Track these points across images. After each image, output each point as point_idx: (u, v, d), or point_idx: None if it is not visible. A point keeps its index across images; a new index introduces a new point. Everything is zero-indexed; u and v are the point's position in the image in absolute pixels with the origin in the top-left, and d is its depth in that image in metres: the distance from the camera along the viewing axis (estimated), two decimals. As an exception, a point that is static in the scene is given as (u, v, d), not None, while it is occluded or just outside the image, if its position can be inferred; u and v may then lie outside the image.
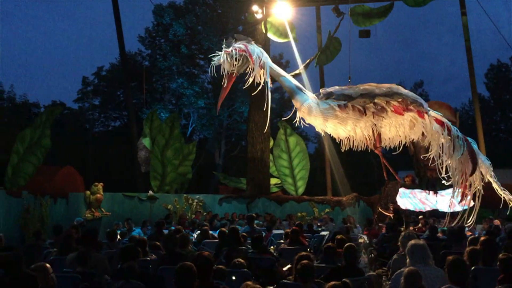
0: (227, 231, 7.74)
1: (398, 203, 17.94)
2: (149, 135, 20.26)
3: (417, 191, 20.16)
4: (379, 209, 11.15)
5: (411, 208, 18.50)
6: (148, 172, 20.23)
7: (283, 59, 33.57)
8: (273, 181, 22.81)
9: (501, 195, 10.52)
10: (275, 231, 11.20)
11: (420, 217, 17.45)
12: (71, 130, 30.68)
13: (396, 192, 18.71)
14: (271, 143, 22.06)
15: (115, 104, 34.49)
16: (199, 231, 9.72)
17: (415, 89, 48.61)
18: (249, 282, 3.23)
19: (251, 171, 20.50)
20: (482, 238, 6.01)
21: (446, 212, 17.51)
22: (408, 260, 4.58)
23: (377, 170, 29.56)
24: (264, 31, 19.89)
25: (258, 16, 19.99)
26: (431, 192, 20.07)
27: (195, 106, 30.40)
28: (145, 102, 30.02)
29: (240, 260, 5.05)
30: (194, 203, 19.05)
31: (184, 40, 30.52)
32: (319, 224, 14.90)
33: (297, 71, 19.95)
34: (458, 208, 18.43)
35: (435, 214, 18.88)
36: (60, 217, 14.05)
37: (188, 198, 19.15)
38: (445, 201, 16.96)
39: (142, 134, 20.50)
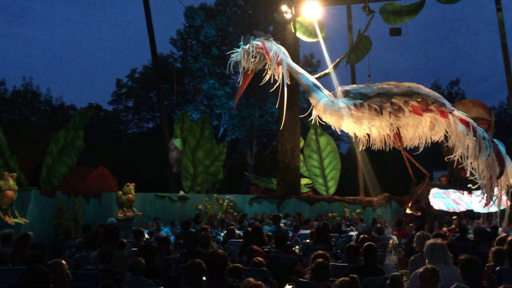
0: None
1: (431, 204, 17.70)
2: (180, 136, 20.48)
3: (451, 191, 19.82)
4: (408, 209, 10.92)
5: (444, 208, 18.22)
6: (180, 173, 20.47)
7: (314, 59, 33.45)
8: (304, 181, 22.75)
9: None
10: (302, 231, 11.17)
11: (454, 217, 17.16)
12: (105, 132, 31.28)
13: (428, 192, 18.47)
14: (302, 143, 22.02)
15: (148, 105, 34.96)
16: (226, 231, 9.80)
17: (451, 87, 47.70)
18: (250, 279, 3.23)
19: (281, 172, 20.51)
20: (509, 238, 5.88)
21: (481, 213, 17.24)
22: (427, 260, 4.51)
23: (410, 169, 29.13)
24: (293, 31, 19.84)
25: (288, 16, 19.94)
26: (466, 192, 19.73)
27: (226, 107, 30.56)
28: (177, 104, 30.36)
29: (259, 258, 5.06)
30: (225, 203, 19.18)
31: (215, 41, 30.72)
32: (347, 224, 14.79)
33: (326, 71, 19.83)
34: (493, 208, 18.04)
35: (470, 215, 18.55)
36: (93, 217, 14.33)
37: (218, 198, 19.29)
38: (480, 201, 16.60)
39: (173, 135, 20.75)
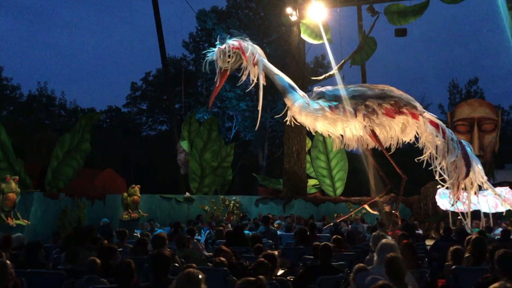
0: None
1: (438, 204, 17.64)
2: (188, 138, 20.75)
3: (457, 191, 19.72)
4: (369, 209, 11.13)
5: (451, 208, 18.13)
6: (187, 174, 20.75)
7: (325, 60, 33.45)
8: (311, 182, 22.84)
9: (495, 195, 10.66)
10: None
11: (458, 217, 17.11)
12: (120, 135, 31.79)
13: (435, 193, 18.43)
14: (309, 144, 22.12)
15: (162, 108, 35.41)
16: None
17: (469, 86, 47.21)
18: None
19: (287, 173, 20.65)
20: (473, 237, 5.97)
21: (487, 213, 17.15)
22: (375, 258, 4.62)
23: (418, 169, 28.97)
24: (298, 33, 20.03)
25: (293, 18, 20.15)
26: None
27: (238, 108, 30.79)
28: (185, 106, 30.69)
29: (221, 258, 5.23)
30: (231, 204, 19.40)
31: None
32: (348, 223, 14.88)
33: (331, 72, 19.96)
34: (501, 208, 17.98)
35: (476, 215, 18.43)
36: (97, 218, 14.59)
37: (225, 199, 19.54)
38: (486, 201, 16.56)
39: (180, 137, 21.04)
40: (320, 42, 20.10)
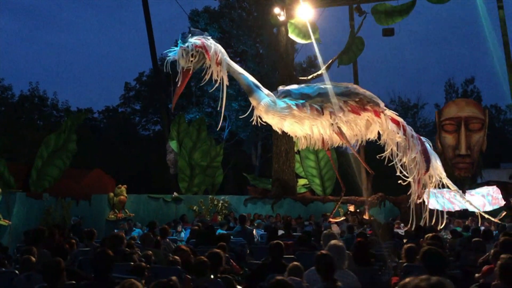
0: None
1: (426, 203, 17.66)
2: (176, 138, 20.80)
3: (445, 190, 19.73)
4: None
5: (439, 207, 18.14)
6: (177, 174, 20.80)
7: (318, 60, 33.41)
8: (301, 181, 22.88)
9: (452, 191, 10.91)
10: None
11: (446, 217, 17.18)
12: (113, 135, 31.86)
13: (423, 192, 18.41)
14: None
15: (155, 108, 35.44)
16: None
17: (466, 86, 47.19)
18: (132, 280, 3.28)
19: (276, 172, 20.70)
20: (430, 235, 6.03)
21: (475, 212, 17.21)
22: None
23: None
24: (286, 32, 20.09)
25: (281, 18, 20.18)
26: (460, 191, 19.65)
27: (230, 108, 30.82)
28: (181, 106, 30.69)
29: (175, 257, 5.28)
30: (220, 204, 19.42)
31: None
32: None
33: (319, 72, 20.02)
34: (488, 207, 18.02)
35: (464, 214, 18.51)
36: (82, 219, 14.65)
37: (213, 199, 19.55)
38: (474, 200, 16.62)
39: (169, 137, 21.09)
40: (309, 41, 20.14)
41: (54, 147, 15.24)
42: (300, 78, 20.72)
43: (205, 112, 30.77)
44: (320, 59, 19.52)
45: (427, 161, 9.83)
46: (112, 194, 16.45)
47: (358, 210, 12.96)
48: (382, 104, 9.68)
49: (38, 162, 14.67)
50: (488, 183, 19.33)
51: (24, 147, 21.57)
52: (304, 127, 9.27)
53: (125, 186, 16.83)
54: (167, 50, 8.35)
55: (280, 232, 11.09)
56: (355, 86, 9.69)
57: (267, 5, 22.50)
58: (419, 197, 10.08)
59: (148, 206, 17.95)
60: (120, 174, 24.50)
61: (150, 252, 6.04)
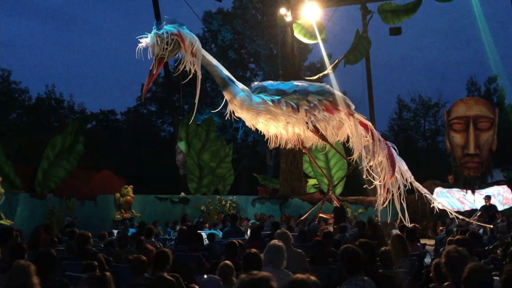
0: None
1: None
2: (185, 139, 20.98)
3: (454, 190, 19.62)
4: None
5: (449, 207, 18.00)
6: (186, 175, 20.99)
7: (331, 59, 33.37)
8: (311, 181, 22.88)
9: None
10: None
11: (451, 216, 17.06)
12: (129, 136, 32.28)
13: (432, 192, 18.31)
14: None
15: (171, 109, 35.73)
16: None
17: (489, 84, 46.40)
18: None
19: (284, 172, 20.75)
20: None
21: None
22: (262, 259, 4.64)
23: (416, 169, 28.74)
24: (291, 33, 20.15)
25: (287, 18, 20.23)
26: (469, 191, 19.46)
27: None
28: (196, 107, 30.84)
29: (142, 256, 5.36)
30: (227, 204, 19.56)
31: (232, 45, 31.18)
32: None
33: (325, 72, 20.01)
34: (499, 207, 17.76)
35: (474, 214, 18.30)
36: (88, 219, 14.91)
37: (221, 199, 19.69)
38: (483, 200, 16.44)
39: (177, 138, 21.29)
40: (315, 41, 20.15)
41: (60, 148, 15.53)
42: (307, 78, 20.71)
43: (219, 113, 30.87)
44: (326, 59, 19.57)
45: (393, 165, 9.82)
46: (118, 194, 16.71)
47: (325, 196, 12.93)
48: (352, 107, 9.69)
49: (44, 163, 14.98)
50: (498, 183, 19.08)
51: (40, 149, 22.00)
52: (279, 124, 9.13)
53: (131, 186, 17.08)
54: (139, 36, 7.70)
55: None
56: (328, 86, 9.69)
57: (273, 5, 22.55)
58: (384, 201, 10.04)
59: (155, 207, 18.16)
60: (132, 175, 24.83)
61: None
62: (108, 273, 3.31)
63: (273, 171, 31.82)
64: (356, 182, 26.04)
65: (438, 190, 19.25)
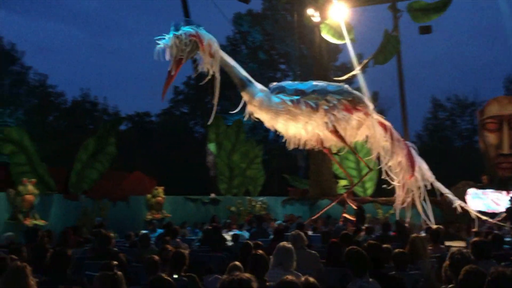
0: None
1: (469, 205, 17.32)
2: (215, 140, 21.20)
3: (489, 191, 19.23)
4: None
5: (484, 209, 17.70)
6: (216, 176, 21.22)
7: (361, 59, 33.13)
8: (342, 182, 22.74)
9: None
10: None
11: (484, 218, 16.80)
12: (162, 138, 32.77)
13: (465, 193, 18.03)
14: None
15: (202, 111, 36.10)
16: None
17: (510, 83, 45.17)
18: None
19: (313, 173, 20.74)
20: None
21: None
22: (272, 260, 4.65)
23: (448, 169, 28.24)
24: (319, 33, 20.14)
25: (315, 19, 20.20)
26: (504, 192, 19.05)
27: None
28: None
29: (155, 256, 5.51)
30: (257, 205, 19.67)
31: (261, 46, 31.33)
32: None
33: (353, 72, 19.92)
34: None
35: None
36: (120, 219, 15.25)
37: (251, 200, 19.82)
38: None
39: (208, 139, 21.53)
40: (343, 42, 20.06)
41: (92, 150, 15.92)
42: (335, 78, 20.66)
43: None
44: (354, 59, 19.43)
45: (412, 165, 9.71)
46: (149, 195, 17.00)
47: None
48: (371, 107, 9.63)
49: (77, 165, 15.40)
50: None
51: (75, 151, 22.60)
52: (298, 124, 9.09)
53: (162, 187, 17.36)
54: (157, 37, 7.74)
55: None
56: (347, 86, 9.66)
57: (301, 5, 22.55)
58: (403, 202, 9.93)
59: (185, 207, 18.41)
60: (164, 176, 25.21)
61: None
62: (119, 273, 3.44)
63: (304, 172, 31.78)
64: (387, 183, 25.82)
65: (471, 191, 18.90)
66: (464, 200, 17.88)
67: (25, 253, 5.52)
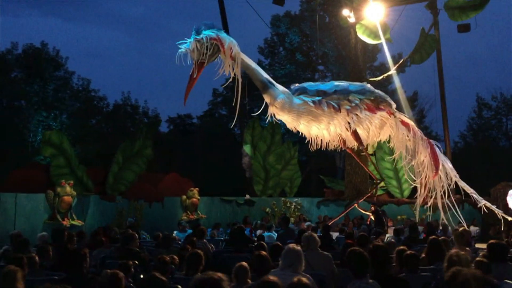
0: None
1: (510, 206, 16.92)
2: (250, 142, 21.37)
3: (529, 190, 18.61)
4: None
5: (524, 210, 17.23)
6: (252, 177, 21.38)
7: (401, 59, 32.70)
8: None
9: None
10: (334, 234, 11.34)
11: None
12: (201, 140, 33.21)
13: (506, 194, 17.59)
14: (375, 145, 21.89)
15: (239, 112, 36.27)
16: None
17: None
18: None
19: (349, 174, 20.64)
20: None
21: None
22: (280, 262, 4.67)
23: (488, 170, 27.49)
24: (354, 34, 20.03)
25: (351, 20, 20.08)
26: (544, 192, 18.44)
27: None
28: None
29: (164, 256, 5.62)
30: (292, 206, 19.71)
31: (299, 47, 31.32)
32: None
33: (389, 72, 19.73)
34: None
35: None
36: (155, 220, 15.63)
37: (286, 201, 19.88)
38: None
39: (243, 141, 21.72)
40: (379, 42, 19.87)
41: (129, 153, 16.35)
42: (370, 79, 20.51)
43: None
44: (389, 59, 19.24)
45: (436, 164, 9.53)
46: (184, 196, 17.29)
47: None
48: (394, 106, 9.54)
49: (114, 167, 15.84)
50: None
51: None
52: (320, 125, 9.04)
53: (197, 188, 17.62)
54: (179, 42, 7.78)
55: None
56: (369, 85, 9.58)
57: (336, 6, 22.46)
58: (424, 201, 9.79)
59: (221, 209, 18.67)
60: (203, 177, 25.59)
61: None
62: (121, 273, 3.60)
63: (342, 173, 31.56)
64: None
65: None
66: (505, 201, 17.49)
67: (51, 253, 5.81)
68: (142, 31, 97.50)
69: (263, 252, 4.33)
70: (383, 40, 19.29)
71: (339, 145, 9.92)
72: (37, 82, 26.34)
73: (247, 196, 19.61)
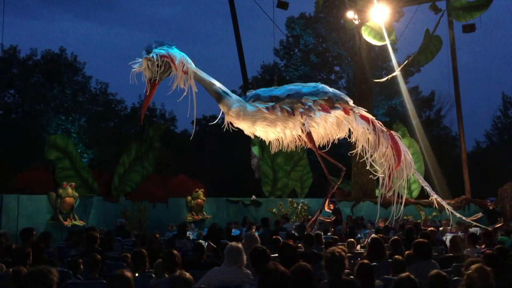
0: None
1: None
2: (258, 144, 21.65)
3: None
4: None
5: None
6: (261, 178, 21.67)
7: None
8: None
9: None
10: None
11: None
12: (214, 143, 33.55)
13: (512, 194, 17.52)
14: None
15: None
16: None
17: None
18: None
19: (355, 175, 20.75)
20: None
21: None
22: (225, 260, 5.08)
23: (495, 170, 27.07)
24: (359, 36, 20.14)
25: (356, 22, 20.19)
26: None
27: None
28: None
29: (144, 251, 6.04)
30: (299, 207, 19.93)
31: (314, 49, 31.44)
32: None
33: (394, 74, 19.77)
34: None
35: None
36: (160, 221, 16.01)
37: (293, 202, 20.10)
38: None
39: (251, 142, 21.99)
40: (384, 43, 19.93)
41: (136, 155, 16.85)
42: (375, 80, 20.59)
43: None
44: (394, 61, 19.30)
45: (398, 155, 9.79)
46: (189, 197, 17.68)
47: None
48: (350, 102, 9.75)
49: (120, 168, 16.38)
50: None
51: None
52: (276, 129, 9.27)
53: (202, 189, 17.98)
54: (132, 62, 8.09)
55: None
56: (323, 85, 9.78)
57: (340, 9, 22.57)
58: (388, 191, 10.06)
59: (227, 209, 18.97)
60: (212, 178, 25.95)
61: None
62: (52, 269, 3.73)
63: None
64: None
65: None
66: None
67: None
68: (166, 33, 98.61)
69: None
70: (387, 42, 19.36)
71: (300, 144, 10.17)
72: (56, 87, 27.17)
73: (254, 197, 19.88)
